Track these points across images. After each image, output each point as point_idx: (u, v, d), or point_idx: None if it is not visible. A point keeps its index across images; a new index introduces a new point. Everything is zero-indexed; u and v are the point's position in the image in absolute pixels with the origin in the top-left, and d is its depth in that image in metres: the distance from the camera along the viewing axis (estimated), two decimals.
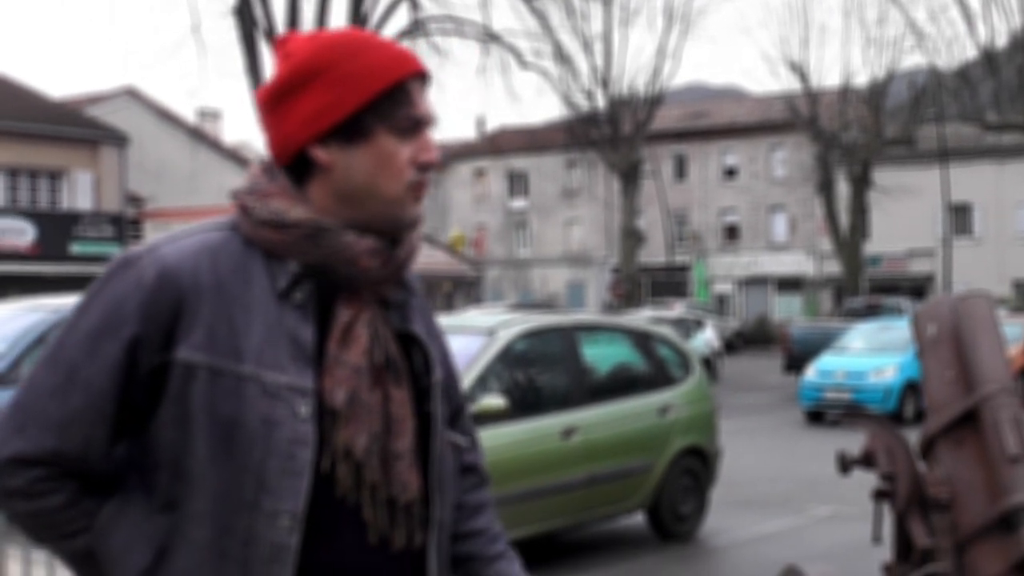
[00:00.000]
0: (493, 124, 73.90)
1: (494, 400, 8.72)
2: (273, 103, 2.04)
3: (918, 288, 56.27)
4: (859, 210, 46.62)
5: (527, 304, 47.12)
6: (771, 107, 58.77)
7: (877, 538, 4.74)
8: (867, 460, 4.63)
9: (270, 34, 30.41)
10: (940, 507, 4.41)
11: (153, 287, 1.92)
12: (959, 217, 54.55)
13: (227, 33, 47.43)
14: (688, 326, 31.75)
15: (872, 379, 21.28)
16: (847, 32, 78.66)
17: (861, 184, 46.42)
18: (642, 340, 10.90)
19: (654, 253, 60.40)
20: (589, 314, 11.60)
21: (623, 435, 9.95)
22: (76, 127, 40.24)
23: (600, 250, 67.75)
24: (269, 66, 25.75)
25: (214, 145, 49.37)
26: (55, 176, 39.43)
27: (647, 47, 73.66)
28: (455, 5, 46.25)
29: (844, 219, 46.78)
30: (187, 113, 51.60)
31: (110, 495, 2.00)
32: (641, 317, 25.33)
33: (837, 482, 8.85)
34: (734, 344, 48.96)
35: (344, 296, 2.03)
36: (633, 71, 50.36)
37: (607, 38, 46.30)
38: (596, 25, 46.61)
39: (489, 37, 34.94)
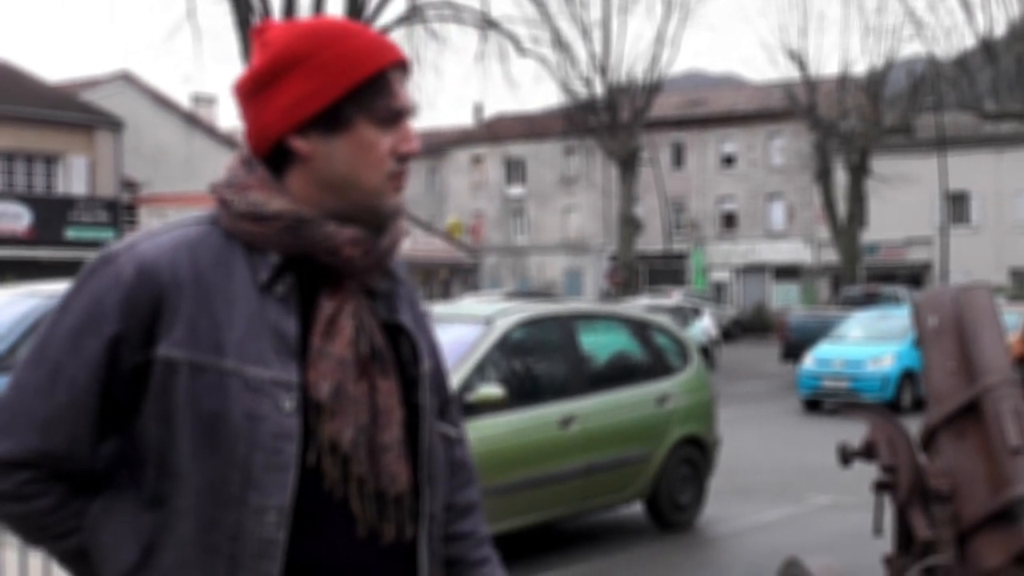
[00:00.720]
0: (491, 111, 73.81)
1: (492, 389, 8.70)
2: (251, 93, 2.01)
3: (916, 276, 56.30)
4: (857, 198, 46.59)
5: (524, 292, 47.07)
6: (769, 95, 58.70)
7: (878, 529, 4.72)
8: (868, 452, 4.61)
9: (265, 19, 30.29)
10: (941, 499, 4.38)
11: (132, 284, 1.91)
12: (957, 205, 54.56)
13: (223, 19, 47.32)
14: (686, 314, 31.74)
15: (870, 368, 21.28)
16: (846, 20, 78.86)
17: (859, 172, 46.38)
18: (640, 329, 10.88)
19: (652, 241, 60.39)
20: (587, 303, 11.59)
21: (621, 424, 9.92)
22: (72, 112, 40.16)
23: (597, 238, 67.75)
24: None
25: (209, 131, 49.29)
26: (51, 161, 39.36)
27: (646, 34, 73.69)
28: None
29: (842, 207, 46.75)
30: (182, 98, 51.39)
31: (99, 494, 1.99)
32: (638, 305, 25.30)
33: (835, 471, 8.82)
34: (731, 332, 48.98)
35: (328, 287, 2.01)
36: (632, 58, 50.32)
37: (606, 25, 46.22)
38: (595, 12, 46.68)
39: (487, 24, 34.88)
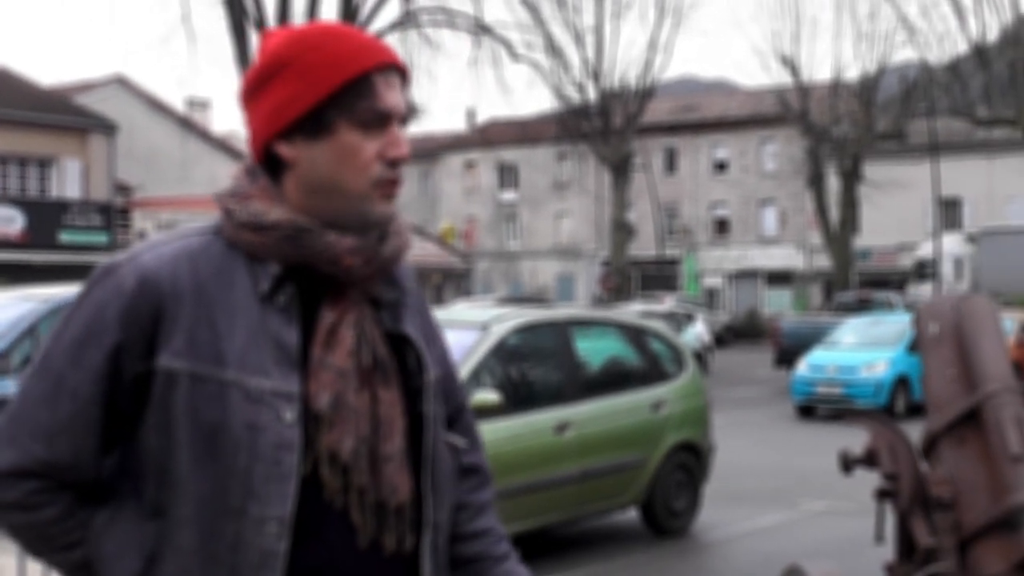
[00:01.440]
0: (484, 116, 73.74)
1: (488, 395, 8.69)
2: (247, 99, 2.02)
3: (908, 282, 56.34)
4: (849, 204, 46.64)
5: (517, 297, 47.06)
6: (762, 101, 58.78)
7: (879, 537, 4.72)
8: (870, 459, 4.60)
9: (260, 24, 30.32)
10: (943, 506, 4.38)
11: (133, 294, 1.91)
12: (949, 211, 54.60)
13: (217, 22, 47.36)
14: (678, 320, 31.73)
15: (863, 374, 21.29)
16: (838, 26, 78.80)
17: (851, 178, 46.44)
18: (635, 335, 10.87)
19: (644, 246, 60.37)
20: (582, 309, 11.60)
21: (616, 430, 9.92)
22: (65, 115, 40.11)
23: (590, 243, 67.76)
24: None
25: (203, 134, 49.25)
26: (44, 164, 39.30)
27: (638, 40, 73.83)
28: None
29: (834, 213, 46.79)
30: (176, 102, 51.38)
31: (103, 504, 1.99)
32: (631, 311, 25.31)
33: (830, 477, 8.84)
34: (724, 338, 48.97)
35: (329, 297, 2.00)
36: (624, 64, 50.43)
37: (599, 31, 46.25)
38: (588, 18, 46.53)
39: (481, 29, 34.87)
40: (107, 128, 40.96)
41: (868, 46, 48.68)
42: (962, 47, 41.74)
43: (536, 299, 46.43)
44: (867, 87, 46.77)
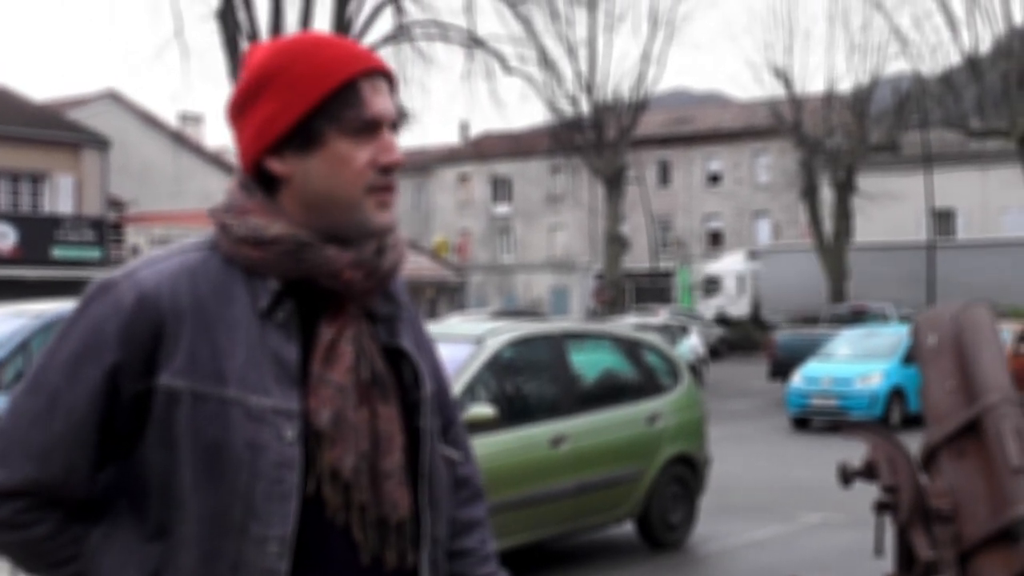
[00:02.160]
0: (477, 129, 73.87)
1: (483, 409, 8.66)
2: (234, 116, 2.00)
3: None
4: (843, 215, 46.66)
5: (511, 311, 47.04)
6: (755, 113, 58.87)
7: (879, 550, 4.68)
8: (869, 471, 4.57)
9: (253, 38, 30.33)
10: (943, 519, 4.35)
11: (132, 312, 1.88)
12: (943, 222, 54.66)
13: (210, 37, 47.30)
14: (673, 332, 31.71)
15: (858, 385, 21.27)
16: (831, 38, 79.07)
17: (845, 190, 46.47)
18: (631, 348, 10.85)
19: (638, 259, 60.41)
20: (577, 322, 11.55)
21: (612, 443, 9.89)
22: (58, 130, 40.07)
23: (584, 256, 67.81)
24: None
25: (196, 149, 49.26)
26: (37, 179, 39.24)
27: (632, 53, 73.74)
28: (440, 10, 46.20)
29: (828, 225, 46.82)
30: (170, 117, 51.38)
31: (98, 520, 1.96)
32: (626, 324, 25.28)
33: (826, 489, 8.81)
34: (719, 350, 48.94)
35: (328, 313, 1.98)
36: (617, 77, 50.20)
37: (592, 43, 46.29)
38: (581, 31, 46.46)
39: (474, 42, 34.90)
40: (100, 143, 40.92)
41: (861, 58, 48.67)
42: (955, 58, 41.84)
43: (530, 312, 46.43)
44: (860, 99, 46.83)
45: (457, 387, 8.68)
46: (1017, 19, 40.61)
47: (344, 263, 1.95)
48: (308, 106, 1.92)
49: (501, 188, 72.49)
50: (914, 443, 4.66)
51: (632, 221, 60.81)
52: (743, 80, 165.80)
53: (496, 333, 9.62)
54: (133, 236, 40.64)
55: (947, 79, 41.98)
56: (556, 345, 9.92)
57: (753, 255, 53.22)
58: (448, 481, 2.16)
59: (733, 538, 11.06)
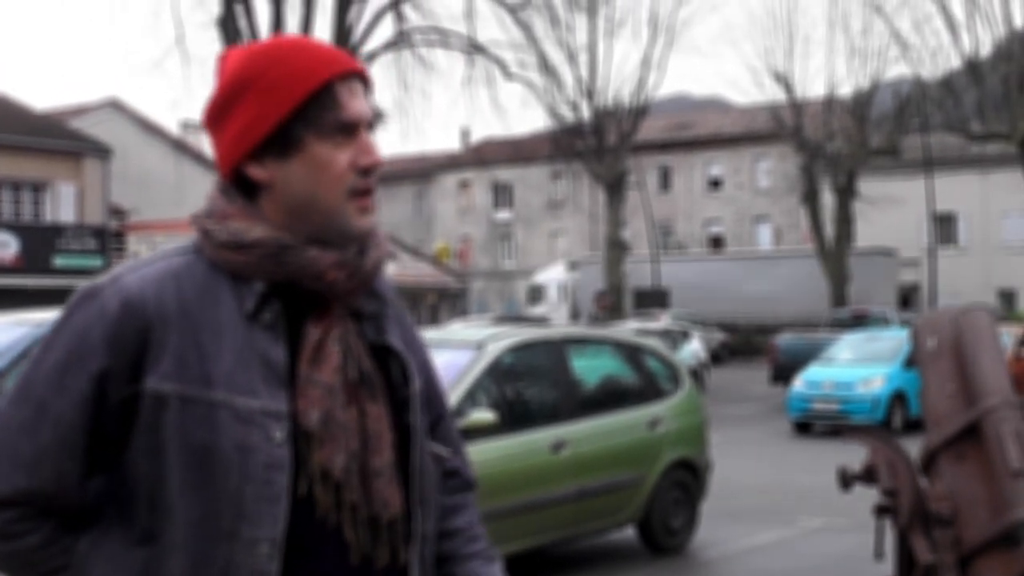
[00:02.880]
0: (478, 135, 73.91)
1: (483, 414, 8.67)
2: (212, 123, 2.00)
3: (904, 298, 56.36)
4: (844, 220, 46.65)
5: (513, 316, 47.01)
6: (756, 118, 58.88)
7: (879, 554, 4.68)
8: (869, 475, 4.56)
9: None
10: (942, 522, 4.34)
11: (117, 318, 1.88)
12: (944, 226, 54.69)
13: (211, 45, 47.33)
14: (674, 337, 31.69)
15: (860, 390, 21.26)
16: (831, 42, 78.78)
17: (846, 194, 46.47)
18: (631, 353, 10.85)
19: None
20: (578, 327, 11.53)
21: (613, 448, 9.88)
22: (59, 139, 40.10)
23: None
24: None
25: (198, 157, 49.21)
26: (38, 188, 39.28)
27: (632, 58, 74.04)
28: (440, 16, 46.00)
29: (829, 229, 46.81)
30: (171, 125, 51.35)
31: (88, 528, 1.95)
32: (627, 329, 25.25)
33: (827, 493, 8.80)
34: (720, 355, 48.92)
35: (313, 313, 1.98)
36: (618, 82, 50.21)
37: (592, 49, 46.28)
38: (581, 36, 46.42)
39: (474, 48, 34.92)
40: (101, 152, 40.95)
41: (861, 62, 48.70)
42: (955, 62, 41.82)
43: (531, 318, 46.41)
44: (861, 103, 46.83)
45: (458, 393, 8.69)
46: (1017, 22, 40.57)
47: (327, 264, 1.95)
48: (285, 112, 1.93)
49: (502, 194, 72.51)
50: (916, 447, 4.66)
51: (633, 226, 60.75)
52: (744, 85, 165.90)
53: (497, 339, 9.62)
54: (135, 244, 40.66)
55: (947, 83, 41.98)
56: (557, 350, 9.92)
57: (573, 266, 57.28)
58: (437, 477, 2.16)
59: (734, 543, 11.05)
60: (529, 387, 9.84)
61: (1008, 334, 21.32)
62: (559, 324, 49.03)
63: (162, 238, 37.93)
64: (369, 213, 2.00)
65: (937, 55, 43.32)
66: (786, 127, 47.31)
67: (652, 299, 48.75)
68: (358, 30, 32.25)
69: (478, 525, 2.27)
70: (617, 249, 46.40)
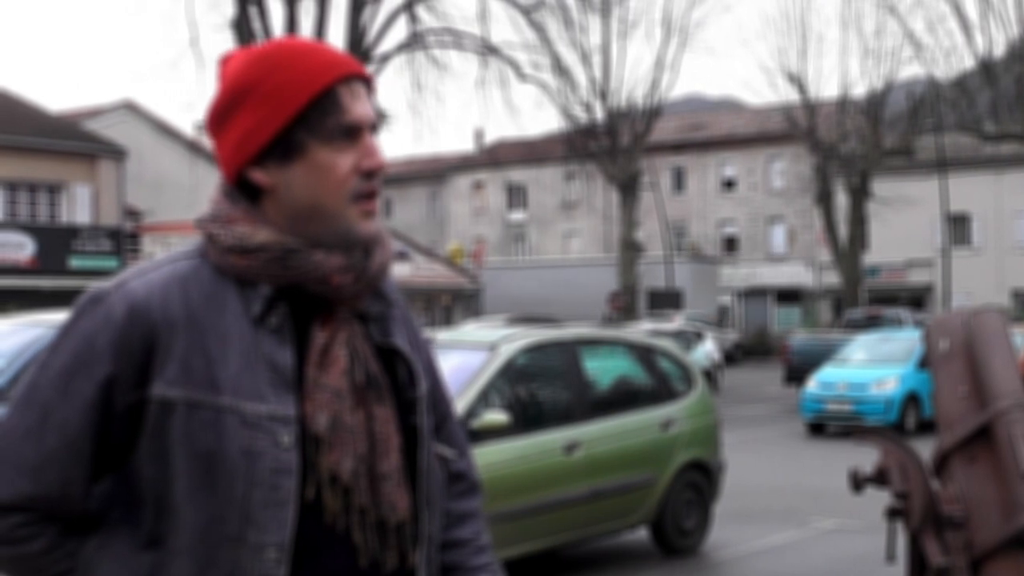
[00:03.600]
0: (492, 136, 73.97)
1: (496, 415, 8.68)
2: (214, 127, 1.99)
3: (917, 298, 56.28)
4: (858, 221, 46.60)
5: (526, 317, 46.98)
6: (769, 118, 58.80)
7: (891, 556, 4.68)
8: (880, 478, 4.56)
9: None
10: (954, 525, 4.34)
11: (124, 323, 1.88)
12: (958, 227, 54.56)
13: (225, 46, 47.46)
14: (688, 338, 31.69)
15: (873, 391, 21.24)
16: (845, 43, 78.97)
17: (860, 195, 46.40)
18: (644, 354, 10.85)
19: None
20: (591, 328, 11.53)
21: (626, 449, 9.89)
22: (75, 141, 40.20)
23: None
24: None
25: (212, 159, 49.26)
26: (54, 190, 39.39)
27: (645, 59, 73.99)
28: (454, 18, 46.12)
29: (843, 230, 46.76)
30: (185, 127, 51.47)
31: (92, 532, 1.95)
32: (641, 330, 25.24)
33: (840, 495, 8.80)
34: (734, 356, 48.89)
35: (320, 317, 1.98)
36: (631, 83, 50.27)
37: (605, 50, 46.28)
38: (594, 37, 46.55)
39: (488, 50, 34.97)
40: (116, 153, 41.05)
41: (875, 62, 48.75)
42: (969, 63, 41.78)
43: (545, 319, 46.36)
44: (874, 103, 46.76)
45: (471, 394, 8.71)
46: None
47: (332, 268, 1.95)
48: (287, 117, 1.92)
49: (516, 195, 72.49)
50: (929, 448, 4.67)
51: (647, 227, 60.69)
52: (757, 85, 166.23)
53: (510, 340, 9.63)
54: (150, 246, 40.71)
55: (961, 83, 41.92)
56: (570, 351, 9.93)
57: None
58: (442, 480, 2.16)
59: (747, 544, 11.05)
60: (542, 388, 9.84)
61: (1021, 335, 21.24)
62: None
63: (177, 239, 37.98)
64: (373, 217, 2.00)
65: (951, 55, 43.43)
66: (800, 128, 47.26)
67: (666, 300, 48.67)
68: (372, 32, 32.32)
69: (484, 535, 2.27)
70: (631, 250, 46.37)
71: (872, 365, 22.23)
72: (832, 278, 53.12)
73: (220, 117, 1.97)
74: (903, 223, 53.64)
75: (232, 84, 1.96)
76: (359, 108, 1.97)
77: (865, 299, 50.04)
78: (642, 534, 10.67)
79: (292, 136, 1.93)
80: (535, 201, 71.20)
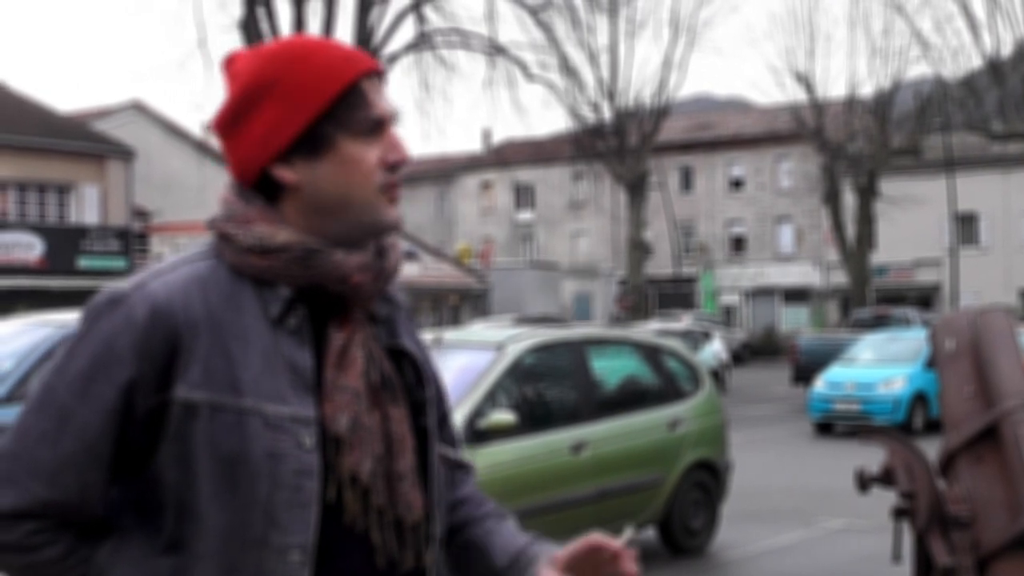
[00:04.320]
0: (499, 136, 73.99)
1: (503, 415, 8.68)
2: (227, 128, 1.97)
3: (925, 298, 56.21)
4: (866, 220, 46.57)
5: (534, 317, 47.01)
6: (777, 118, 58.77)
7: (897, 556, 4.67)
8: (887, 478, 4.56)
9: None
10: (961, 525, 4.33)
11: (145, 326, 1.85)
12: (965, 226, 54.48)
13: (233, 46, 47.50)
14: (696, 338, 31.70)
15: (881, 390, 21.22)
16: (853, 42, 78.77)
17: (867, 194, 46.37)
18: (651, 354, 10.85)
19: (661, 265, 60.35)
20: (598, 328, 11.53)
21: (633, 449, 9.89)
22: (83, 141, 40.25)
23: (607, 262, 67.70)
24: None
25: (220, 159, 49.31)
26: (63, 190, 39.45)
27: (653, 59, 74.14)
28: (461, 18, 46.18)
29: (851, 229, 46.72)
30: (193, 127, 51.57)
31: (105, 538, 1.92)
32: (648, 329, 25.27)
33: (848, 494, 8.77)
34: (742, 356, 48.89)
35: (336, 318, 1.98)
36: (639, 83, 50.48)
37: (613, 50, 46.33)
38: (602, 37, 46.64)
39: (495, 50, 35.00)
40: (124, 154, 41.10)
41: (882, 62, 48.67)
42: (976, 62, 41.79)
43: (553, 319, 46.37)
44: (882, 103, 46.74)
45: (478, 394, 8.71)
46: None
47: (352, 267, 1.95)
48: (315, 111, 1.91)
49: (524, 195, 72.51)
50: (936, 448, 4.67)
51: (655, 227, 60.74)
52: (765, 85, 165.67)
53: (517, 339, 9.63)
54: (158, 246, 40.79)
55: (969, 82, 41.92)
56: (577, 351, 9.93)
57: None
58: (445, 480, 2.16)
59: (755, 544, 11.05)
60: (549, 388, 9.85)
61: None
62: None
63: (185, 240, 38.03)
64: (396, 204, 2.01)
65: (958, 55, 43.49)
66: (807, 127, 47.24)
67: (674, 300, 48.66)
68: (379, 32, 32.35)
69: (481, 492, 2.29)
70: (639, 250, 46.38)
71: (880, 365, 22.21)
72: (840, 278, 53.10)
73: (235, 116, 1.96)
74: (911, 223, 53.58)
75: (249, 81, 1.95)
76: (383, 103, 1.98)
77: (873, 299, 49.97)
78: (649, 534, 10.67)
79: (319, 131, 1.93)
80: (543, 201, 71.22)
